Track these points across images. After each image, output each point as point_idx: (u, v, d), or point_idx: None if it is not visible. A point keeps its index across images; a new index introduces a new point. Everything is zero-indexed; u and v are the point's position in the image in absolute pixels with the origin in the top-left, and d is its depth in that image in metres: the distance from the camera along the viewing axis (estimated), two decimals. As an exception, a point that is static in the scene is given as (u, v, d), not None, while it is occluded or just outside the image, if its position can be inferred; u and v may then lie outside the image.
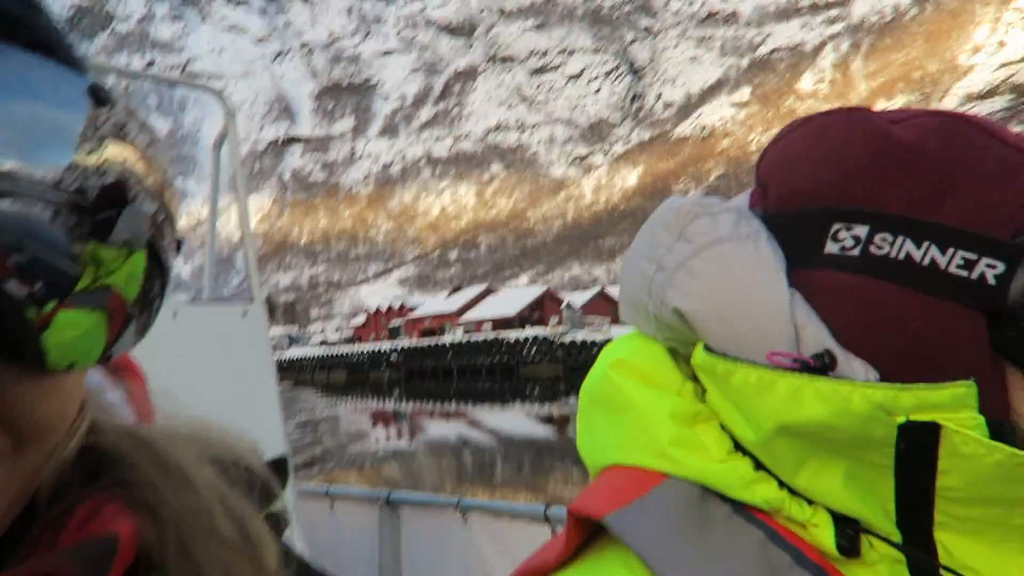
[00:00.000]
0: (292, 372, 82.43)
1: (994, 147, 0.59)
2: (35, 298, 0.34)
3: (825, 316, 0.59)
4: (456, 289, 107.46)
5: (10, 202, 0.32)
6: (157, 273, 0.41)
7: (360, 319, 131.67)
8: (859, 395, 0.54)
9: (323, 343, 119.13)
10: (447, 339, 67.13)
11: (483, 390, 46.51)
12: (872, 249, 0.58)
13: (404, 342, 76.41)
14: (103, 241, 0.36)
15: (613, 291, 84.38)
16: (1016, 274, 0.55)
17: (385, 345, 75.37)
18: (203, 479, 0.44)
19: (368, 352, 74.44)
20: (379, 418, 32.81)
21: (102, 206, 0.36)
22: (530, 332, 59.14)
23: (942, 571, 0.55)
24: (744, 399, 0.59)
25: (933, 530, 0.54)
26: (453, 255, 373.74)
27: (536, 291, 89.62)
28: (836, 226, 0.60)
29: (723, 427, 0.62)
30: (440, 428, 27.11)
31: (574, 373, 49.75)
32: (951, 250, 0.56)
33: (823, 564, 0.56)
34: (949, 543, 0.55)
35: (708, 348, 0.61)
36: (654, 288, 0.64)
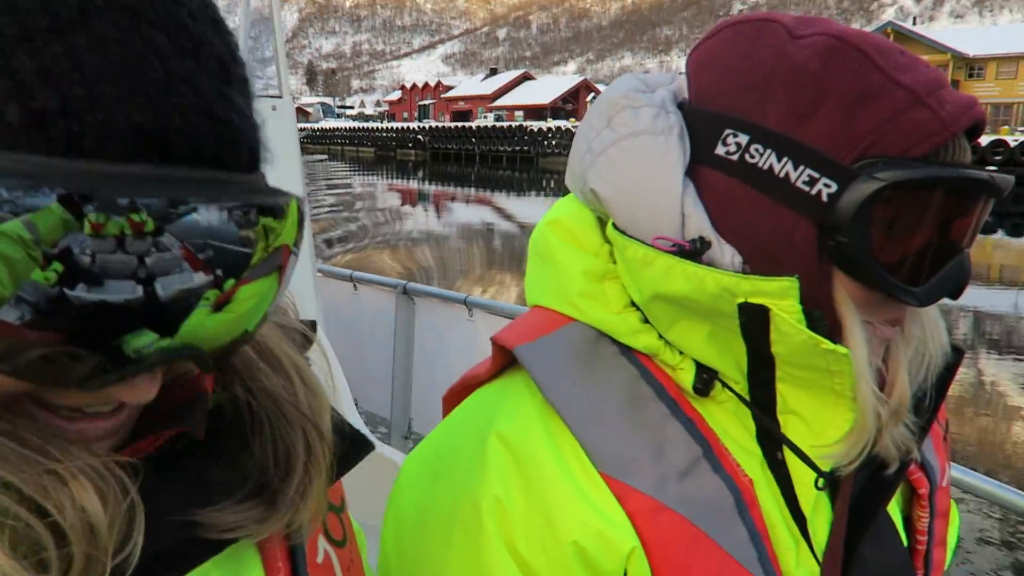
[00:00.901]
0: (323, 144, 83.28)
1: (867, 74, 0.64)
2: (217, 283, 0.44)
3: (708, 208, 0.70)
4: (493, 72, 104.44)
5: (196, 214, 0.42)
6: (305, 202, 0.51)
7: (396, 95, 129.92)
8: (711, 278, 0.66)
9: (360, 116, 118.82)
10: (474, 124, 66.78)
11: (503, 178, 47.12)
12: (747, 157, 0.68)
13: (432, 123, 76.27)
14: (272, 216, 0.46)
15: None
16: (843, 195, 0.64)
17: (413, 124, 75.33)
18: (284, 353, 0.60)
19: (396, 129, 74.54)
20: (407, 198, 33.64)
21: (267, 199, 0.46)
22: (553, 123, 58.65)
23: (779, 415, 0.71)
24: (633, 269, 0.71)
25: (776, 383, 0.69)
26: (502, 33, 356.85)
27: (573, 81, 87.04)
28: (727, 131, 0.69)
29: (624, 287, 0.74)
30: (465, 212, 27.47)
31: (591, 169, 49.74)
32: (802, 167, 0.65)
33: (679, 399, 0.72)
34: (786, 393, 0.70)
35: (615, 225, 0.72)
36: (582, 167, 0.74)
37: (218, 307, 0.45)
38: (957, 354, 0.80)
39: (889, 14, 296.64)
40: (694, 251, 0.68)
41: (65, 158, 0.39)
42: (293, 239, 0.50)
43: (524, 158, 57.01)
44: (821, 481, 0.71)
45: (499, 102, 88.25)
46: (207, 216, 0.43)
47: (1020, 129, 41.11)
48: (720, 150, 0.69)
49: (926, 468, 0.82)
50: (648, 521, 0.67)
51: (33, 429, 0.45)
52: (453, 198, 33.31)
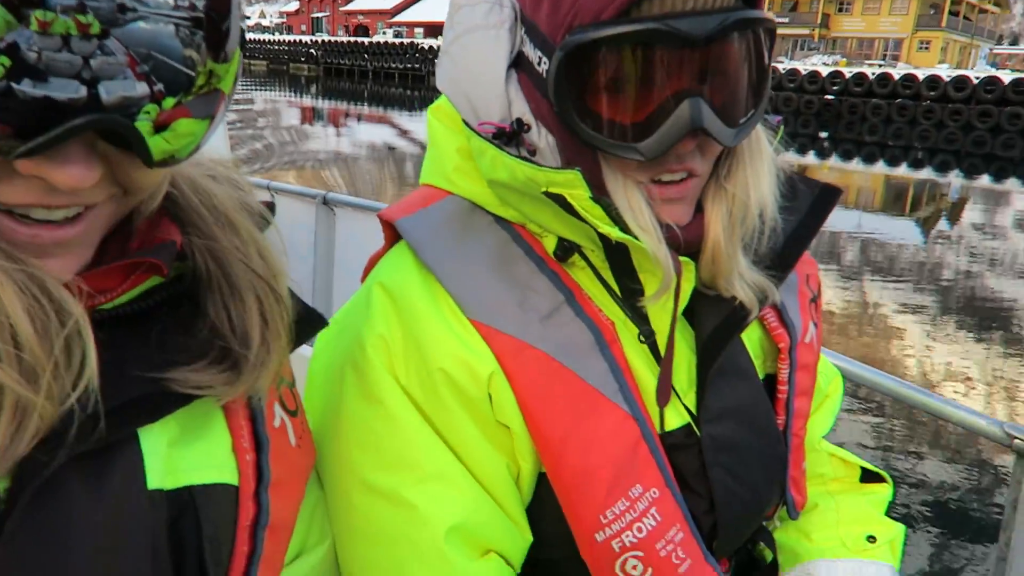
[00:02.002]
0: (214, 54, 79.95)
1: None
2: (157, 98, 0.47)
3: (527, 94, 0.77)
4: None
5: (143, 23, 0.45)
6: (243, 57, 0.54)
7: (294, 6, 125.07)
8: (519, 169, 0.73)
9: (257, 27, 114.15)
10: (365, 40, 66.28)
11: (396, 96, 47.49)
12: (522, 47, 0.77)
13: (326, 37, 74.99)
14: (216, 55, 0.50)
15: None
16: (549, 69, 0.71)
17: (306, 38, 73.87)
18: (241, 222, 0.64)
19: (289, 42, 72.90)
20: (307, 115, 32.56)
21: (213, 24, 0.49)
22: (431, 41, 59.09)
23: (640, 275, 0.79)
24: (475, 157, 0.79)
25: (630, 250, 0.76)
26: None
27: None
28: (519, 25, 0.78)
29: None
30: (367, 131, 27.17)
31: (479, 89, 50.91)
32: (536, 50, 0.73)
33: (546, 258, 0.80)
34: (637, 255, 0.77)
35: (463, 119, 0.78)
36: (437, 67, 0.82)
37: (157, 129, 0.48)
38: (824, 200, 0.86)
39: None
40: (513, 133, 0.75)
41: None
42: (230, 89, 0.53)
43: (416, 76, 57.38)
44: (641, 336, 0.79)
45: (399, 18, 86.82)
46: (153, 26, 0.45)
47: (870, 63, 44.42)
48: (518, 42, 0.77)
49: (787, 325, 0.89)
50: (512, 358, 0.75)
51: None
52: (348, 114, 32.97)
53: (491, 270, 0.78)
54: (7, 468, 0.48)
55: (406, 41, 61.40)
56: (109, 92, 0.44)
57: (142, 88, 0.46)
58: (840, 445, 1.11)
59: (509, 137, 0.75)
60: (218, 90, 0.52)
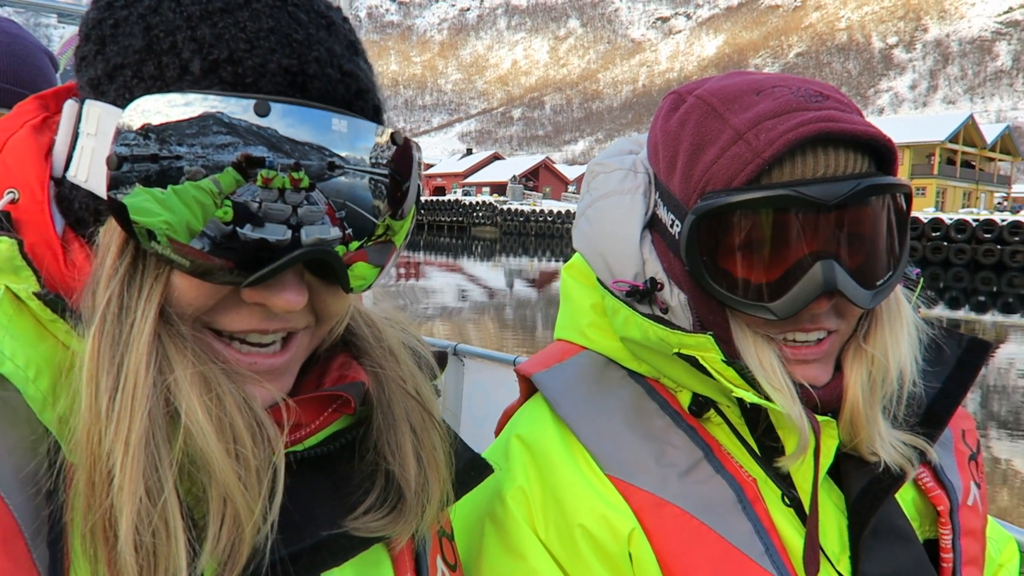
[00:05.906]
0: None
1: (708, 124, 0.74)
2: (346, 240, 0.55)
3: (660, 254, 0.81)
4: (469, 152, 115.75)
5: (344, 177, 0.53)
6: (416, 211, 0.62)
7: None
8: (651, 330, 0.77)
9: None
10: (427, 197, 76.88)
11: (444, 244, 55.05)
12: (656, 210, 0.82)
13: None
14: (394, 211, 0.58)
15: (558, 166, 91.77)
16: (681, 231, 0.74)
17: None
18: (402, 357, 0.70)
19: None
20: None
21: (396, 183, 0.57)
22: (480, 199, 68.27)
23: (779, 431, 0.78)
24: (609, 314, 0.84)
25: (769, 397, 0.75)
26: (517, 113, 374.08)
27: (535, 160, 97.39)
28: (654, 188, 0.83)
29: None
30: (441, 278, 28.73)
31: (506, 236, 58.77)
32: (669, 213, 0.78)
33: (683, 414, 0.81)
34: (774, 413, 0.77)
35: (598, 278, 0.83)
36: (573, 229, 0.88)
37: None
38: (974, 354, 0.85)
39: (885, 100, 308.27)
40: (646, 291, 0.79)
41: (233, 93, 0.51)
42: (400, 243, 0.60)
43: (460, 227, 66.49)
44: (785, 498, 0.78)
45: (470, 179, 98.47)
46: (351, 180, 0.54)
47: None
48: (652, 205, 0.83)
49: (945, 485, 0.85)
50: (651, 515, 0.75)
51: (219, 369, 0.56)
52: (423, 264, 34.80)
53: (627, 424, 0.80)
54: None
55: (451, 198, 71.20)
56: (308, 235, 0.53)
57: (335, 232, 0.54)
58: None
59: (642, 295, 0.78)
60: (391, 242, 0.59)
